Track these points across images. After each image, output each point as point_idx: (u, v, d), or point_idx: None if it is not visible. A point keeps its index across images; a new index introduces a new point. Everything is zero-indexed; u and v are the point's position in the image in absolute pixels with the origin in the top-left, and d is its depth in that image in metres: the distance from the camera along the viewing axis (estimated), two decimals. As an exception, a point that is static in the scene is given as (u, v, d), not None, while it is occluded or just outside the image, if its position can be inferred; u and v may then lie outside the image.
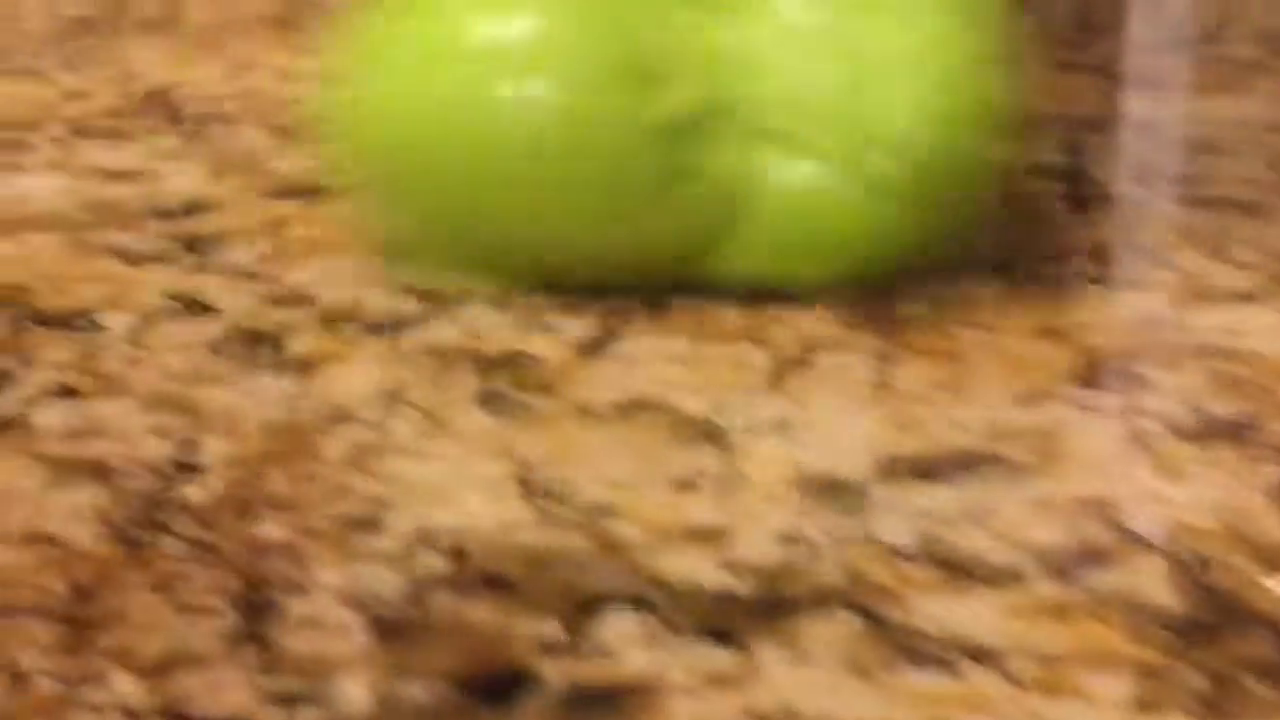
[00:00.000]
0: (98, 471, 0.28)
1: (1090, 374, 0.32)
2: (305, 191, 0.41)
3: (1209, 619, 0.24)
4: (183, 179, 0.42)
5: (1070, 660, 0.23)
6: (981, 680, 0.23)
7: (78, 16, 0.61)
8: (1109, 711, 0.22)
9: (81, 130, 0.47)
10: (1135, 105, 0.48)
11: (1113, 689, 0.23)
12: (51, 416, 0.30)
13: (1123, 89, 0.49)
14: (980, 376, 0.31)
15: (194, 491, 0.28)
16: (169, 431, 0.30)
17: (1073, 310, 0.34)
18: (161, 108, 0.49)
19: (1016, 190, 0.41)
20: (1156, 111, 0.47)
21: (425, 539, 0.26)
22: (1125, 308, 0.34)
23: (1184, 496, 0.27)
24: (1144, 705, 0.23)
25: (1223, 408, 0.30)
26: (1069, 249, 0.37)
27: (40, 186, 0.42)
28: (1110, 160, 0.43)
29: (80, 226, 0.39)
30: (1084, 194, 0.41)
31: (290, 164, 0.43)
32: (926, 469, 0.28)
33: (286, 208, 0.40)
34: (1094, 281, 0.36)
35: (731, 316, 0.34)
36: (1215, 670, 0.23)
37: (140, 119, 0.47)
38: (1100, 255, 0.37)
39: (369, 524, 0.27)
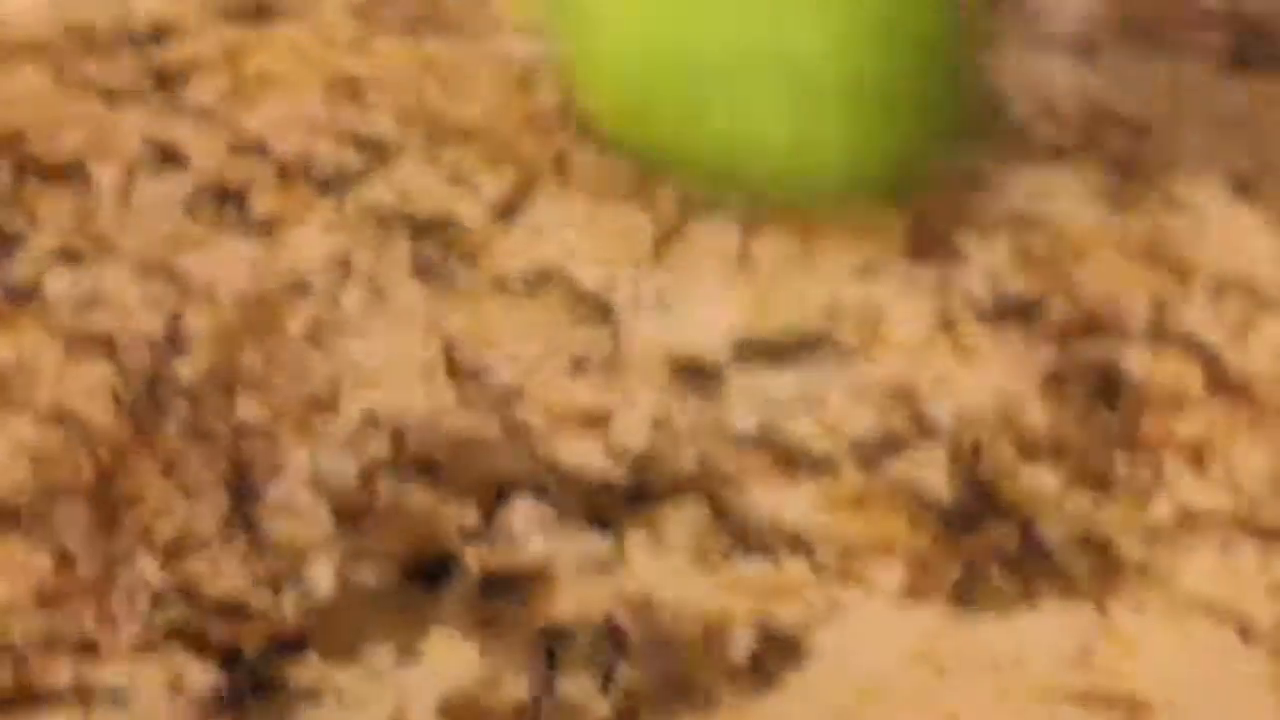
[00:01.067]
0: (105, 346, 0.35)
1: (915, 246, 0.38)
2: (261, 13, 0.46)
3: (972, 509, 0.32)
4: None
5: (863, 549, 0.31)
6: (795, 569, 0.31)
7: None
8: (883, 598, 0.30)
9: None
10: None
11: (891, 578, 0.31)
12: (59, 284, 0.37)
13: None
14: (825, 249, 0.38)
15: (184, 369, 0.35)
16: (159, 303, 0.36)
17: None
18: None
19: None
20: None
21: (371, 421, 0.34)
22: (957, 167, 0.41)
23: (971, 382, 0.35)
24: (912, 592, 0.31)
25: (1019, 285, 0.37)
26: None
27: (19, 9, 0.47)
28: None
29: (61, 55, 0.44)
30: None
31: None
32: (773, 351, 0.35)
33: (244, 34, 0.45)
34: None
35: (624, 176, 0.40)
36: (970, 561, 0.31)
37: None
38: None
39: (327, 405, 0.34)
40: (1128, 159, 0.41)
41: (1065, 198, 0.40)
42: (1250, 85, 0.44)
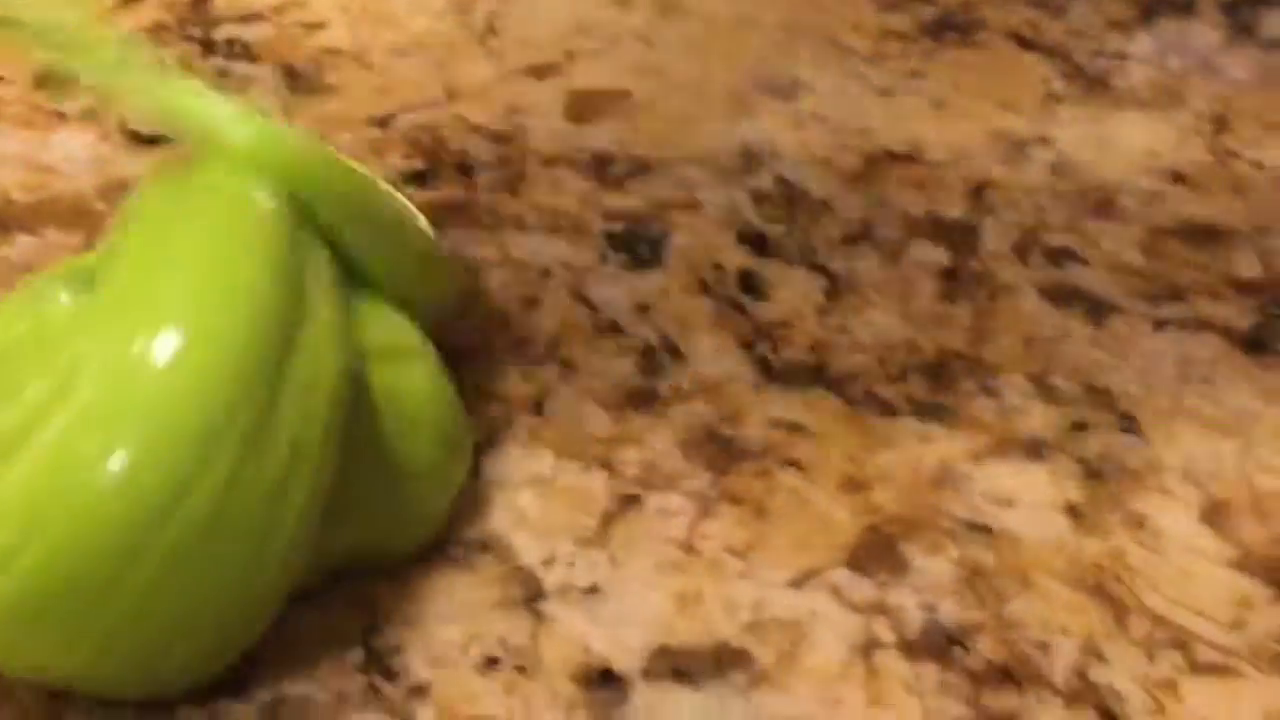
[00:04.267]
0: None
1: (860, 554, 0.39)
2: None
3: None
4: None
5: None
6: None
7: None
8: None
9: None
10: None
11: None
12: None
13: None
14: (774, 541, 0.38)
15: None
16: None
17: (883, 450, 0.41)
18: None
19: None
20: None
21: None
22: (929, 456, 0.41)
23: (873, 731, 0.35)
24: None
25: (952, 611, 0.37)
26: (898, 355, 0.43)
27: None
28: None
29: None
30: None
31: None
32: (686, 666, 0.36)
33: None
34: (916, 413, 0.42)
35: (600, 425, 0.41)
36: None
37: None
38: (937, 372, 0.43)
39: None
40: (1105, 461, 0.40)
41: (1029, 506, 0.40)
42: (1261, 375, 0.43)
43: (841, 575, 0.38)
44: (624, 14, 0.54)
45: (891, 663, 0.36)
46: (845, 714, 0.35)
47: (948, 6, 0.54)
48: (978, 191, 0.48)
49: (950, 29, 0.54)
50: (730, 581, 0.38)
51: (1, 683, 0.35)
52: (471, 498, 0.39)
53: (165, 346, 0.32)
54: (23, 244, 0.45)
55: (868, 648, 0.36)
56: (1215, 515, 0.39)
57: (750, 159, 0.49)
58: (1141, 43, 0.54)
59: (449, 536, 0.38)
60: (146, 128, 0.48)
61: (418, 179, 0.48)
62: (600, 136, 0.50)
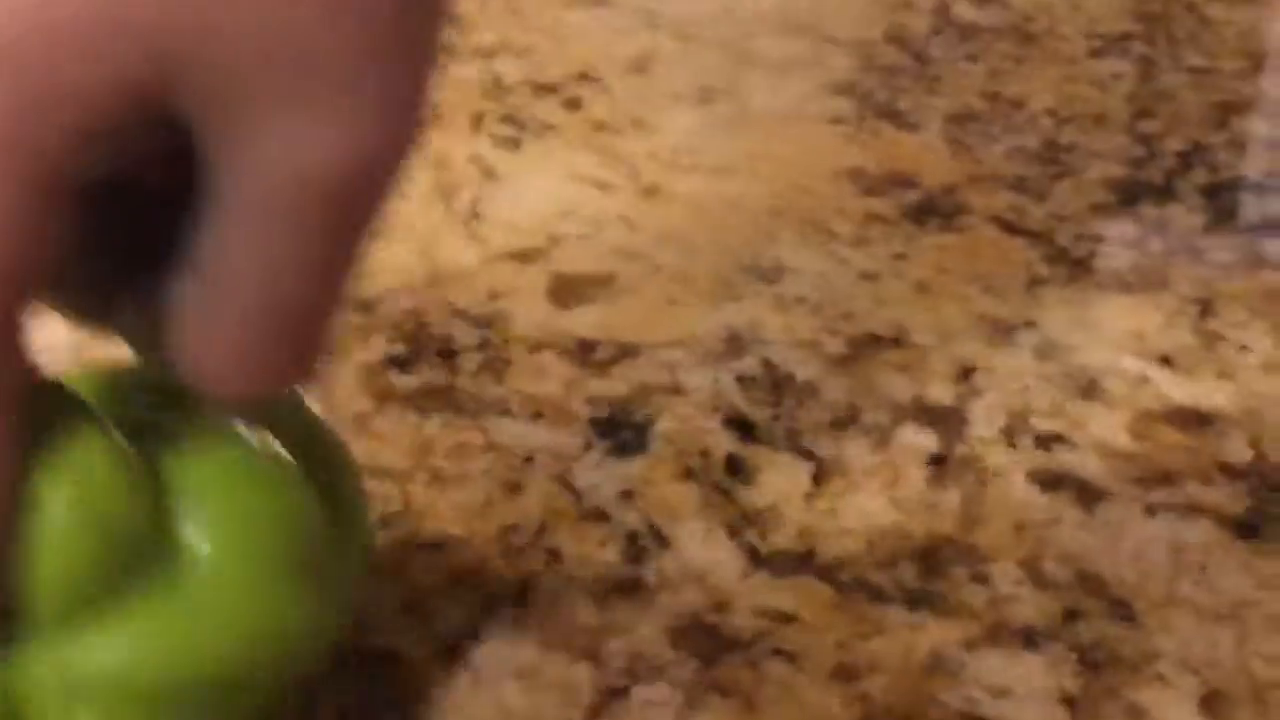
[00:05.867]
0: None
1: (852, 747, 0.38)
2: None
3: None
4: None
5: None
6: None
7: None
8: None
9: None
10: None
11: None
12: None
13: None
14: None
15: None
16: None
17: (874, 638, 0.40)
18: None
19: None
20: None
21: None
22: (921, 644, 0.40)
23: None
24: None
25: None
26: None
27: None
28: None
29: None
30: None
31: None
32: None
33: None
34: (907, 601, 0.41)
35: (585, 614, 0.40)
36: None
37: None
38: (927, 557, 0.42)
39: None
40: (1100, 650, 0.40)
41: (1024, 696, 0.39)
42: (1255, 561, 0.42)
43: (832, 771, 0.37)
44: (607, 198, 0.54)
45: None
46: None
47: (930, 190, 0.55)
48: (964, 375, 0.48)
49: (933, 213, 0.54)
50: (719, 777, 0.37)
51: None
52: (453, 690, 0.38)
53: None
54: None
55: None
56: (1214, 705, 0.38)
57: (735, 342, 0.49)
58: (1123, 227, 0.54)
59: (431, 730, 0.37)
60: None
61: (400, 364, 0.48)
62: (584, 320, 0.49)
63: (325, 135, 0.28)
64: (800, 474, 0.44)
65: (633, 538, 0.42)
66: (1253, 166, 0.58)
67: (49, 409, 0.30)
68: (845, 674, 0.39)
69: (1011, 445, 0.45)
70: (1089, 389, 0.47)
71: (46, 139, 0.27)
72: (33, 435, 0.30)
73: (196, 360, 0.30)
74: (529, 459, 0.45)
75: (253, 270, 0.29)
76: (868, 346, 0.49)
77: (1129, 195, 0.55)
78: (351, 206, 0.29)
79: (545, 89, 0.63)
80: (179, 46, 0.27)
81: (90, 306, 0.32)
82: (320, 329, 0.30)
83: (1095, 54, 0.65)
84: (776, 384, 0.47)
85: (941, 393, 0.47)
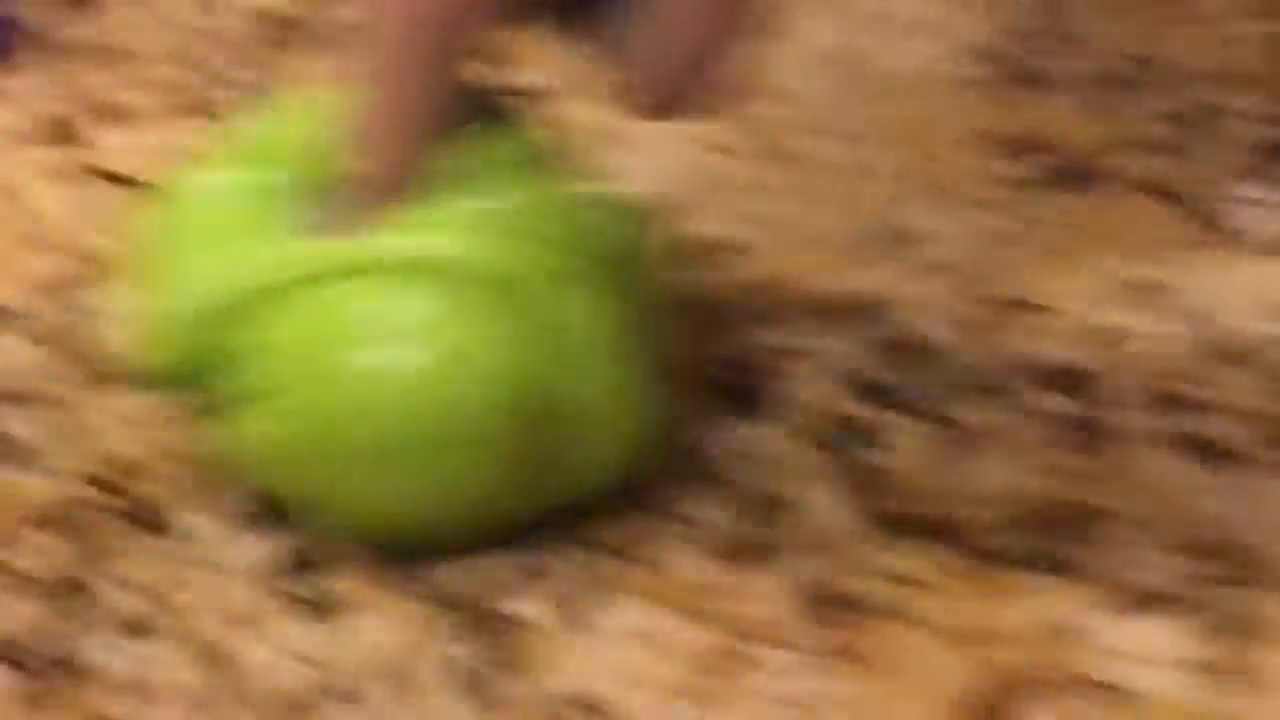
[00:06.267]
0: None
1: (979, 712, 0.37)
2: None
3: None
4: None
5: None
6: None
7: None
8: None
9: None
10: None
11: None
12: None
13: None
14: (888, 698, 0.37)
15: None
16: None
17: (1002, 605, 0.39)
18: None
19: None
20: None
21: None
22: (1052, 610, 0.39)
23: None
24: None
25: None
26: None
27: None
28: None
29: None
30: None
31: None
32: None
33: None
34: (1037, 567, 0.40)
35: (708, 576, 0.40)
36: None
37: None
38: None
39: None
40: (1234, 617, 0.39)
41: (1155, 663, 0.38)
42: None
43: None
44: (736, 162, 0.54)
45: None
46: None
47: (1068, 154, 0.53)
48: (1101, 339, 0.46)
49: (1070, 176, 0.53)
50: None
51: None
52: (575, 652, 0.38)
53: None
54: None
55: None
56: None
57: (866, 307, 0.48)
58: (1268, 190, 0.52)
59: (556, 691, 0.37)
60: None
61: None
62: (713, 283, 0.49)
63: None
64: (931, 438, 0.44)
65: (758, 500, 0.42)
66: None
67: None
68: (972, 640, 0.38)
69: (1149, 410, 0.44)
70: (1230, 354, 0.46)
71: None
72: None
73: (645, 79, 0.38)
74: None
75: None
76: (1003, 310, 0.48)
77: (1275, 158, 0.54)
78: None
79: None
80: None
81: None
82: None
83: (1245, 14, 0.63)
84: (908, 348, 0.47)
85: (1077, 357, 0.46)
